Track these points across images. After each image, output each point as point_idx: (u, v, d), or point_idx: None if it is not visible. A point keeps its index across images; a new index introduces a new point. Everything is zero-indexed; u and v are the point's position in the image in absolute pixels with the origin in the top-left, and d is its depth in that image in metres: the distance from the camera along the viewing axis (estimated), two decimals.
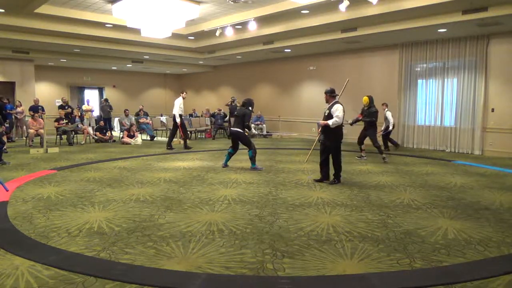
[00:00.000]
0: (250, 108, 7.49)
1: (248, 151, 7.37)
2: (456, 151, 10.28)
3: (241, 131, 7.31)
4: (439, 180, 6.54)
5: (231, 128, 7.56)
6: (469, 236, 3.78)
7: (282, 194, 5.49)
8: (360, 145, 8.83)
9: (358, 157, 8.90)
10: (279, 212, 4.57)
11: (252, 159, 7.39)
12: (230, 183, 6.22)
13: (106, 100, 15.66)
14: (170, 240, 3.61)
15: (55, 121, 11.67)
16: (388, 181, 6.41)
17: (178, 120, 10.44)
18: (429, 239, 3.67)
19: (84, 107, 15.42)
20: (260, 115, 14.90)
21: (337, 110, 5.95)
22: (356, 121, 8.72)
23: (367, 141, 8.66)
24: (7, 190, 5.42)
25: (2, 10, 8.96)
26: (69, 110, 13.02)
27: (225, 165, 7.68)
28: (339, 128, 6.06)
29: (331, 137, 6.07)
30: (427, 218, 4.37)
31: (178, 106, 10.48)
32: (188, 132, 11.47)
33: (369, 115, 8.39)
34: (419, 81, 11.10)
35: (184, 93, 10.90)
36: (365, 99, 8.54)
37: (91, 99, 17.07)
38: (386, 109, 9.94)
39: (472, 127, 9.97)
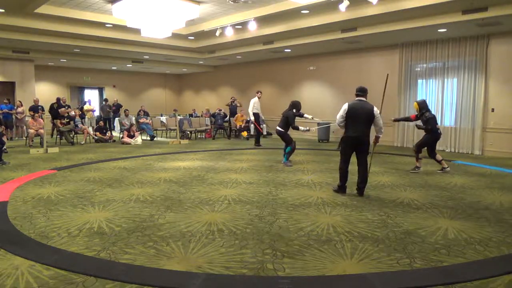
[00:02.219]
0: (294, 110, 7.99)
1: (287, 146, 8.04)
2: (456, 151, 10.28)
3: (283, 130, 7.95)
4: (439, 180, 6.54)
5: (276, 127, 8.13)
6: (469, 236, 3.78)
7: (282, 194, 5.49)
8: (417, 153, 7.35)
9: (411, 170, 7.39)
10: (279, 212, 4.57)
11: (288, 154, 8.00)
12: (230, 183, 6.22)
13: (106, 100, 15.68)
14: (170, 240, 3.61)
15: (54, 119, 11.66)
16: (388, 181, 6.41)
17: (252, 118, 11.15)
18: (429, 239, 3.67)
19: (86, 107, 15.43)
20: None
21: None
22: (404, 119, 8.17)
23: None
24: None
25: (2, 10, 8.96)
26: (69, 110, 13.02)
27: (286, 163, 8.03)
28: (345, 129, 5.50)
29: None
30: (427, 218, 4.37)
31: (253, 105, 11.09)
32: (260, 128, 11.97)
33: (425, 123, 7.14)
34: (419, 81, 11.10)
35: (259, 93, 11.37)
36: (415, 105, 7.32)
37: (91, 99, 17.09)
38: None
39: (472, 127, 9.97)
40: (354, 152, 5.52)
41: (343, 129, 5.58)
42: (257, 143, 11.41)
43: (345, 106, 5.38)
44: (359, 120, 5.29)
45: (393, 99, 11.38)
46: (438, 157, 7.28)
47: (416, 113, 7.35)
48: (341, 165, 5.58)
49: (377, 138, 5.64)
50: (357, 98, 5.47)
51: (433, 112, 10.69)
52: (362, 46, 11.79)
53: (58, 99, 13.66)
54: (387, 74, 6.31)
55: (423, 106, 7.17)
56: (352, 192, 5.60)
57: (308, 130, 8.11)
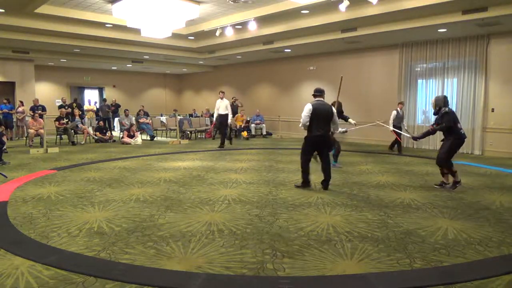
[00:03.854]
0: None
1: (332, 149, 7.55)
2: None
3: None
4: (439, 180, 6.53)
5: None
6: (469, 236, 3.78)
7: (282, 194, 5.49)
8: (448, 167, 5.94)
9: (436, 185, 6.14)
10: (279, 212, 4.57)
11: (334, 156, 7.64)
12: (230, 183, 6.22)
13: (104, 100, 15.69)
14: (170, 240, 3.61)
15: (56, 120, 11.68)
16: (388, 181, 6.41)
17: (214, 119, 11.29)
18: (429, 239, 3.67)
19: (86, 107, 15.43)
20: (259, 114, 14.92)
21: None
22: (425, 134, 6.19)
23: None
24: (6, 177, 5.45)
25: (2, 10, 8.96)
26: (69, 110, 13.03)
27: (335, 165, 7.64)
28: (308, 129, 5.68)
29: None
30: (427, 218, 4.37)
31: (216, 107, 11.08)
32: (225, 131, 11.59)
33: (441, 119, 5.84)
34: (419, 81, 11.10)
35: (221, 93, 11.11)
36: (433, 101, 6.11)
37: (91, 99, 17.08)
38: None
39: (472, 127, 9.97)
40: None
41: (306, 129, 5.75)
42: (221, 145, 10.97)
43: (309, 106, 5.59)
44: (322, 119, 5.59)
45: (393, 99, 11.37)
46: (445, 170, 5.93)
47: (434, 120, 6.17)
48: (304, 164, 5.82)
49: (332, 134, 6.34)
50: (316, 99, 5.73)
51: (433, 112, 10.75)
52: (362, 46, 11.79)
53: (75, 100, 13.89)
54: (341, 77, 6.81)
55: (438, 102, 5.85)
56: (352, 192, 5.59)
57: (346, 131, 7.79)
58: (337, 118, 5.83)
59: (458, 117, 10.05)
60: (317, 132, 5.58)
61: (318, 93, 5.73)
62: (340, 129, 7.36)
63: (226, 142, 11.38)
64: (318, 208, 4.76)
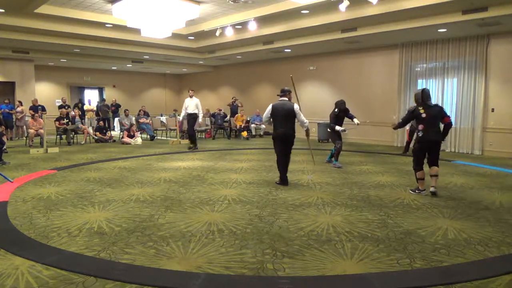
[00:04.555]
0: (336, 110, 7.84)
1: (333, 147, 7.94)
2: (456, 151, 10.28)
3: (328, 130, 8.14)
4: (439, 180, 6.49)
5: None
6: (469, 236, 3.78)
7: (282, 194, 5.49)
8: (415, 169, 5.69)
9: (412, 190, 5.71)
10: (279, 212, 4.57)
11: (334, 155, 7.85)
12: (230, 183, 6.22)
13: (103, 100, 15.69)
14: (170, 240, 3.61)
15: (56, 120, 11.68)
16: (388, 181, 6.41)
17: (180, 118, 10.99)
18: (429, 239, 3.67)
19: (86, 107, 15.43)
20: (259, 114, 14.91)
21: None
22: (445, 133, 5.58)
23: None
24: (11, 181, 5.43)
25: (2, 10, 8.96)
26: (69, 110, 13.04)
27: (328, 161, 8.18)
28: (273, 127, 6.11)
29: None
30: (427, 218, 4.37)
31: (183, 106, 10.59)
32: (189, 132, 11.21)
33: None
34: (419, 81, 11.10)
35: (191, 92, 10.57)
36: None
37: (92, 99, 17.09)
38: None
39: (472, 127, 9.97)
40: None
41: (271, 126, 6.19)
42: (194, 146, 10.53)
43: (270, 107, 6.03)
44: (283, 118, 5.93)
45: (393, 99, 11.38)
46: (420, 174, 5.48)
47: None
48: (279, 160, 6.11)
49: (306, 131, 6.62)
50: (280, 99, 6.09)
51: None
52: (362, 46, 11.79)
53: (80, 100, 13.89)
54: (291, 76, 7.57)
55: (416, 98, 5.49)
56: (352, 192, 5.59)
57: (345, 131, 7.88)
58: (301, 116, 6.01)
59: (458, 117, 10.29)
60: (279, 130, 5.95)
61: (282, 93, 6.11)
62: (338, 128, 7.65)
63: (182, 140, 11.02)
64: (318, 208, 4.76)
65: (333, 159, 7.95)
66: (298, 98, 7.27)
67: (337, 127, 7.71)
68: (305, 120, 6.09)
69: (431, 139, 5.32)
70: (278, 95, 6.16)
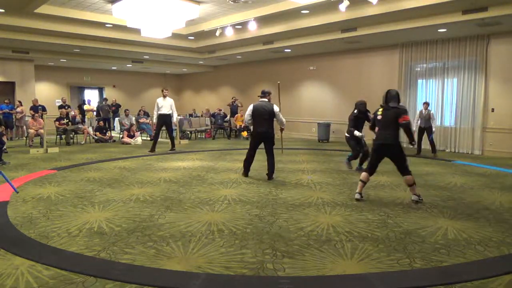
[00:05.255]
0: (355, 111, 7.13)
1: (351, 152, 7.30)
2: (456, 151, 10.28)
3: (347, 135, 7.16)
4: (439, 180, 6.54)
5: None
6: (469, 236, 3.78)
7: (282, 194, 5.49)
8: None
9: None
10: (279, 212, 4.57)
11: (349, 158, 7.31)
12: (230, 183, 6.22)
13: (105, 99, 15.68)
14: (170, 240, 3.61)
15: (56, 120, 11.68)
16: (388, 181, 6.41)
17: (154, 120, 10.10)
18: (429, 239, 3.67)
19: (86, 107, 15.43)
20: None
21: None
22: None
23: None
24: (17, 192, 5.40)
25: (2, 10, 8.96)
26: (69, 110, 13.04)
27: (359, 169, 7.18)
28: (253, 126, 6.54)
29: None
30: (427, 218, 4.37)
31: (155, 106, 9.79)
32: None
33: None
34: (419, 81, 11.10)
35: (165, 91, 9.80)
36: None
37: (92, 99, 17.09)
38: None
39: (472, 127, 9.97)
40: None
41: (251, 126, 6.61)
42: (152, 149, 9.71)
43: (251, 107, 6.44)
44: (263, 118, 6.33)
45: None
46: (362, 175, 5.21)
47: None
48: (248, 155, 6.64)
49: (281, 129, 6.99)
50: (260, 100, 6.50)
51: (433, 112, 10.64)
52: (362, 46, 11.79)
53: (84, 100, 13.98)
54: (278, 83, 8.14)
55: (383, 98, 5.25)
56: (352, 192, 5.59)
57: (363, 137, 7.06)
58: (280, 116, 6.44)
59: (458, 117, 10.27)
60: (259, 129, 6.40)
61: (262, 94, 6.55)
62: (357, 133, 6.91)
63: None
64: (318, 208, 4.76)
65: (363, 166, 7.04)
66: (280, 102, 7.79)
67: (356, 132, 6.93)
68: (284, 120, 6.59)
69: (380, 142, 5.06)
70: (258, 96, 6.59)
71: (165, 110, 9.63)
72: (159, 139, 13.68)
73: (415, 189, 5.09)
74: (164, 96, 9.69)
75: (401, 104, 5.21)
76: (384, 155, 5.12)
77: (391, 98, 5.10)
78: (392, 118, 5.01)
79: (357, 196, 5.15)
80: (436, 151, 9.60)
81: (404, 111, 5.09)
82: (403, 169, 5.04)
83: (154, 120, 9.85)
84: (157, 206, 4.82)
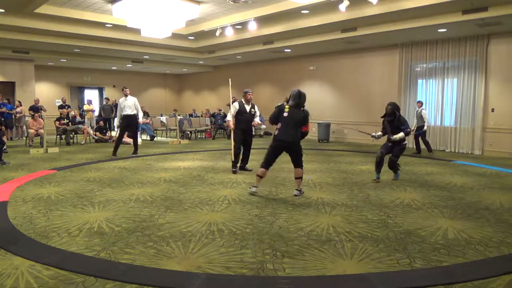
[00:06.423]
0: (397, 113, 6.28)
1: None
2: (456, 151, 10.28)
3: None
4: (439, 180, 6.54)
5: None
6: (469, 236, 3.78)
7: (282, 194, 5.49)
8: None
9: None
10: (279, 212, 4.57)
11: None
12: (230, 183, 6.22)
13: (107, 99, 15.66)
14: (170, 240, 3.61)
15: (56, 120, 11.68)
16: (388, 181, 6.40)
17: (116, 123, 9.40)
18: (429, 239, 3.67)
19: (85, 107, 15.42)
20: (259, 114, 14.91)
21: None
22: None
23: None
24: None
25: (2, 10, 8.96)
26: (70, 110, 13.04)
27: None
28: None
29: None
30: (427, 218, 4.37)
31: (119, 106, 9.15)
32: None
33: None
34: (419, 81, 11.10)
35: (126, 90, 9.12)
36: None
37: (92, 99, 17.06)
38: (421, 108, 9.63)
39: (472, 127, 9.97)
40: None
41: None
42: (114, 153, 9.08)
43: (236, 106, 7.14)
44: (247, 115, 7.10)
45: (393, 99, 11.32)
46: (261, 171, 5.42)
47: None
48: (236, 151, 7.15)
49: (254, 125, 7.62)
50: (238, 100, 7.19)
51: (433, 112, 10.79)
52: (362, 46, 11.79)
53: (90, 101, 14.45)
54: (229, 79, 8.38)
55: (290, 97, 5.42)
56: (352, 192, 5.59)
57: (377, 137, 6.59)
58: (257, 115, 7.27)
59: (458, 117, 10.28)
60: (242, 126, 7.14)
61: (245, 93, 7.30)
62: (374, 134, 6.56)
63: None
64: (318, 208, 4.76)
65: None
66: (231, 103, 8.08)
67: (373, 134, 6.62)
68: (229, 119, 7.40)
69: (283, 138, 5.22)
70: (243, 95, 7.28)
71: (128, 111, 8.96)
72: (160, 139, 13.71)
73: (300, 184, 5.45)
74: (126, 95, 9.01)
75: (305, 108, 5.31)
76: (286, 150, 5.41)
77: (298, 99, 5.23)
78: (298, 120, 5.22)
79: (295, 193, 5.40)
80: (432, 149, 9.77)
81: (307, 117, 5.32)
82: (298, 162, 5.39)
83: (117, 123, 9.21)
84: (157, 206, 4.82)
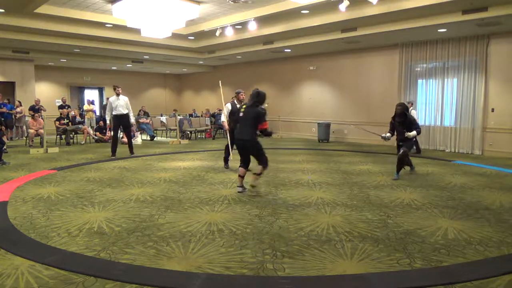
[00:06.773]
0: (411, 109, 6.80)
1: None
2: (456, 151, 10.28)
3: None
4: (439, 180, 6.54)
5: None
6: (469, 236, 3.78)
7: (282, 194, 5.49)
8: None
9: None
10: (279, 212, 4.57)
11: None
12: (230, 183, 6.22)
13: (108, 99, 15.66)
14: (170, 240, 3.61)
15: (56, 120, 11.68)
16: (388, 181, 6.40)
17: (107, 122, 9.31)
18: (429, 239, 3.67)
19: (86, 107, 15.42)
20: None
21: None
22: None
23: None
24: None
25: (2, 10, 8.96)
26: (70, 110, 13.04)
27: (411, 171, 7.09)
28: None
29: None
30: (427, 218, 4.37)
31: (108, 106, 9.14)
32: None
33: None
34: (419, 81, 11.10)
35: (118, 89, 9.13)
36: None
37: (90, 99, 17.05)
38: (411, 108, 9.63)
39: (472, 127, 9.97)
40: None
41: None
42: (113, 153, 9.01)
43: (229, 107, 7.17)
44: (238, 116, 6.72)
45: (393, 99, 11.35)
46: (240, 171, 5.59)
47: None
48: (227, 149, 7.49)
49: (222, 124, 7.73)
50: (232, 101, 7.22)
51: (433, 112, 10.80)
52: (362, 46, 11.78)
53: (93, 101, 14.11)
54: (219, 81, 8.47)
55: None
56: (352, 192, 5.59)
57: (385, 138, 6.69)
58: (223, 115, 7.31)
59: (458, 117, 10.30)
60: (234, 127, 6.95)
61: (236, 94, 7.19)
62: (384, 135, 6.68)
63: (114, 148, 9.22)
64: (318, 208, 4.76)
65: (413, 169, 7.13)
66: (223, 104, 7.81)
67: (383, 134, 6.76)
68: (223, 120, 7.37)
69: (239, 137, 5.43)
70: (232, 97, 7.41)
71: (121, 110, 8.89)
72: (160, 139, 13.71)
73: (257, 181, 5.51)
74: (118, 95, 8.96)
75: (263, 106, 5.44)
76: (245, 149, 5.48)
77: (256, 98, 5.39)
78: (252, 117, 5.31)
79: (239, 189, 5.55)
80: (420, 150, 9.93)
81: (264, 115, 5.38)
82: (258, 160, 5.40)
83: (108, 122, 9.13)
84: (157, 206, 4.82)
